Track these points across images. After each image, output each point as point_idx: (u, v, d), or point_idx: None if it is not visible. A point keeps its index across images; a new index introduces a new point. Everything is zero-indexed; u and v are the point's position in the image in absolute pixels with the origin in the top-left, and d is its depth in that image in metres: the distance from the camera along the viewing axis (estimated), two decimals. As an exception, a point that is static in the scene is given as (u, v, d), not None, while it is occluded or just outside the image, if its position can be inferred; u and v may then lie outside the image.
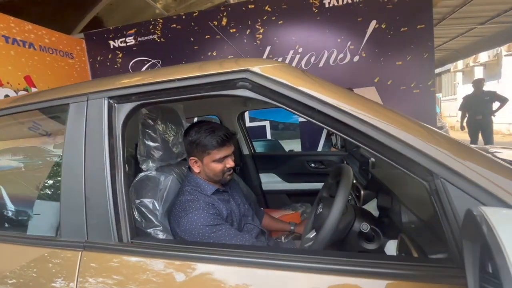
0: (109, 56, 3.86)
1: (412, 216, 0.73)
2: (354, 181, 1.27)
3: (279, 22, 3.39)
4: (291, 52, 3.39)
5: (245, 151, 2.16)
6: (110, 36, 3.83)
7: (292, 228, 1.31)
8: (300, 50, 3.36)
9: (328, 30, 3.31)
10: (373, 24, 3.18)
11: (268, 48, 3.44)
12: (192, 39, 3.64)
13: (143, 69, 3.76)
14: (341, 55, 3.30)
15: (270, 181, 2.18)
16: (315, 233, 0.97)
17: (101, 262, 0.65)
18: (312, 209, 1.11)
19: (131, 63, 3.79)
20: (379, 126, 0.55)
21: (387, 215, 1.02)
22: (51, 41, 3.39)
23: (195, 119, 3.48)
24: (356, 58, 3.26)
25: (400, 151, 0.54)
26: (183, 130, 1.06)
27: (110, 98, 0.75)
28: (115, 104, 0.75)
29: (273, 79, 0.64)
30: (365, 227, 0.81)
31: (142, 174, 0.94)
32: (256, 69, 0.66)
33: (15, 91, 2.86)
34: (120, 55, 3.84)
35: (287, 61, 3.39)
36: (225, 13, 3.52)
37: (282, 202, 2.14)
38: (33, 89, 3.07)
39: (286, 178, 2.14)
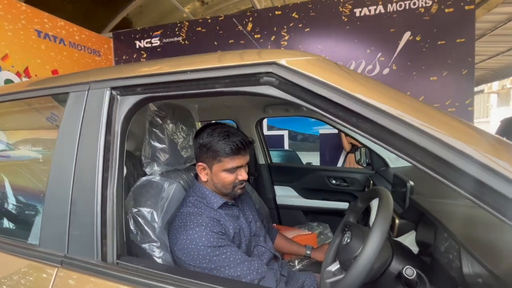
0: (134, 56, 3.91)
1: (478, 267, 0.55)
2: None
3: (305, 30, 3.28)
4: (316, 60, 3.25)
5: (261, 161, 2.03)
6: (137, 36, 3.89)
7: (308, 252, 1.15)
8: (326, 59, 3.22)
9: (357, 40, 3.15)
10: (406, 35, 2.98)
11: (293, 55, 3.33)
12: (215, 43, 3.61)
13: (166, 70, 3.77)
14: (369, 67, 3.11)
15: (286, 194, 2.02)
16: (338, 266, 0.80)
17: (79, 283, 0.53)
18: (335, 236, 0.95)
19: (155, 63, 3.82)
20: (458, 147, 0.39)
21: (429, 253, 0.83)
22: (81, 38, 3.48)
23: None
24: (386, 71, 3.06)
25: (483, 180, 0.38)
26: (195, 132, 0.95)
27: (113, 88, 0.65)
28: (118, 96, 0.65)
29: (306, 74, 0.50)
30: (410, 272, 0.63)
31: (144, 178, 0.83)
32: (284, 62, 0.53)
33: (41, 83, 2.92)
34: (145, 56, 3.88)
35: (311, 70, 3.25)
36: (251, 18, 3.46)
37: (296, 219, 1.96)
38: (59, 83, 3.13)
39: (303, 193, 1.97)
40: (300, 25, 3.30)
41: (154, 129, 0.84)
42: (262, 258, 0.84)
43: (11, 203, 0.99)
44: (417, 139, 0.42)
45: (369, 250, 0.61)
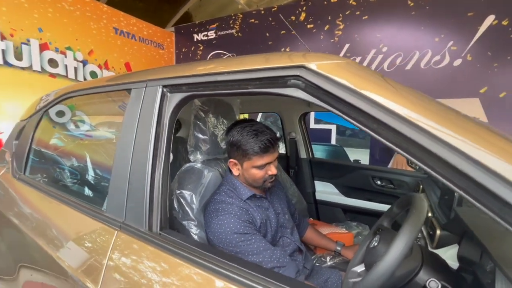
0: (192, 49, 4.21)
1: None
2: (430, 214, 1.02)
3: (363, 18, 3.06)
4: (373, 51, 3.02)
5: (303, 155, 2.03)
6: (195, 30, 4.17)
7: (338, 248, 1.15)
8: (385, 49, 2.96)
9: (424, 27, 2.81)
10: (489, 20, 2.54)
11: (347, 46, 3.15)
12: (267, 34, 3.63)
13: (219, 61, 3.97)
14: (436, 58, 2.76)
15: (326, 191, 1.99)
16: (363, 268, 0.80)
17: (130, 245, 0.67)
18: (366, 237, 0.93)
19: (209, 56, 4.05)
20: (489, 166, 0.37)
21: (473, 271, 0.76)
22: (148, 33, 3.90)
23: (259, 116, 3.49)
24: (457, 62, 2.67)
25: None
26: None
27: (164, 86, 0.76)
28: (168, 93, 0.76)
29: (332, 78, 0.52)
30: (434, 285, 0.61)
31: (187, 164, 0.95)
32: (313, 65, 0.55)
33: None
34: (201, 48, 4.14)
35: (367, 61, 3.04)
36: (304, 8, 3.37)
37: (335, 216, 1.93)
38: (130, 74, 3.60)
39: (344, 191, 1.92)
40: (358, 13, 3.08)
41: (198, 122, 0.95)
42: (286, 249, 0.89)
43: (90, 175, 1.23)
44: (443, 151, 0.41)
45: (390, 257, 0.60)
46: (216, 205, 0.81)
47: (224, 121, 1.02)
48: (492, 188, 0.37)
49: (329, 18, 3.23)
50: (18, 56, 2.50)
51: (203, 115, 0.95)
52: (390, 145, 0.47)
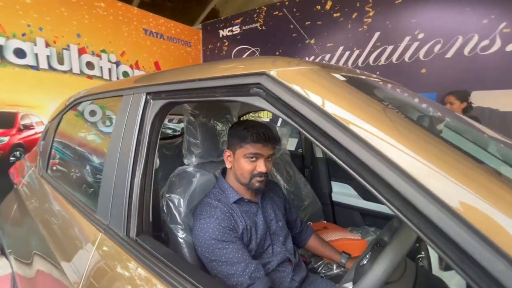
0: (218, 44, 4.26)
1: None
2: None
3: (396, 2, 2.77)
4: (407, 38, 2.73)
5: (319, 154, 1.94)
6: (221, 26, 4.20)
7: (343, 261, 1.08)
8: (421, 36, 2.66)
9: (470, 8, 2.45)
10: (555, -6, 2.11)
11: (377, 34, 2.90)
12: (291, 26, 3.51)
13: (244, 56, 3.96)
14: (484, 42, 2.40)
15: (343, 192, 1.89)
16: (351, 286, 0.74)
17: (110, 249, 0.70)
18: (364, 251, 0.86)
19: (234, 51, 4.06)
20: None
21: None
22: (176, 32, 4.03)
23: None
24: (510, 47, 2.29)
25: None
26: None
27: (148, 93, 0.77)
28: (151, 100, 0.76)
29: (289, 87, 0.47)
30: None
31: (180, 168, 0.96)
32: (273, 72, 0.50)
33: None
34: (226, 44, 4.17)
35: (400, 50, 2.76)
36: (331, -5, 3.17)
37: (353, 220, 1.82)
38: (159, 73, 3.78)
39: (362, 194, 1.79)
40: (390, -3, 2.80)
41: (189, 126, 0.95)
42: (274, 258, 0.86)
43: (92, 176, 1.29)
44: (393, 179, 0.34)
45: (369, 279, 0.55)
46: (202, 207, 0.82)
47: (218, 123, 1.01)
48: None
49: (358, 5, 2.99)
50: (60, 61, 2.78)
51: (193, 120, 0.95)
52: (345, 167, 0.41)
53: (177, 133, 2.64)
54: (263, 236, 0.86)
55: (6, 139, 2.51)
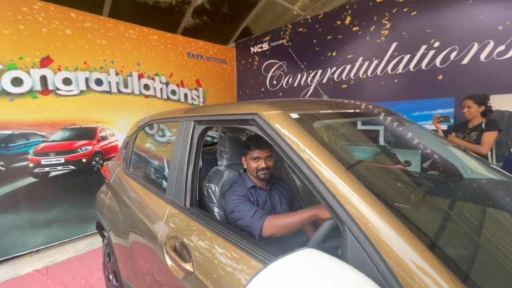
0: (249, 60, 4.77)
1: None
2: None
3: (411, 14, 2.96)
4: (423, 47, 2.89)
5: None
6: (252, 43, 4.71)
7: None
8: (436, 44, 2.81)
9: (485, 15, 2.55)
10: None
11: (394, 44, 3.10)
12: (314, 41, 3.85)
13: (272, 70, 4.41)
14: (500, 48, 2.48)
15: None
16: None
17: (174, 215, 1.19)
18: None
19: (263, 65, 4.53)
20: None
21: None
22: (213, 52, 4.65)
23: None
24: (526, 51, 2.35)
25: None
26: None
27: (195, 121, 1.25)
28: (197, 125, 1.24)
29: (267, 122, 0.89)
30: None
31: (215, 167, 1.43)
32: (262, 114, 0.93)
33: (190, 90, 4.26)
34: (257, 59, 4.66)
35: (416, 58, 2.94)
36: (349, 11, 3.45)
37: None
38: (200, 89, 4.42)
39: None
40: (405, 9, 2.99)
41: (221, 139, 1.42)
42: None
43: (162, 171, 1.85)
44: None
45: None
46: (230, 188, 1.30)
47: (240, 137, 1.46)
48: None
49: (375, 19, 3.23)
50: (126, 85, 3.54)
51: (223, 135, 1.41)
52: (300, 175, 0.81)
53: (215, 140, 3.18)
54: (269, 211, 1.28)
55: (90, 147, 3.32)
